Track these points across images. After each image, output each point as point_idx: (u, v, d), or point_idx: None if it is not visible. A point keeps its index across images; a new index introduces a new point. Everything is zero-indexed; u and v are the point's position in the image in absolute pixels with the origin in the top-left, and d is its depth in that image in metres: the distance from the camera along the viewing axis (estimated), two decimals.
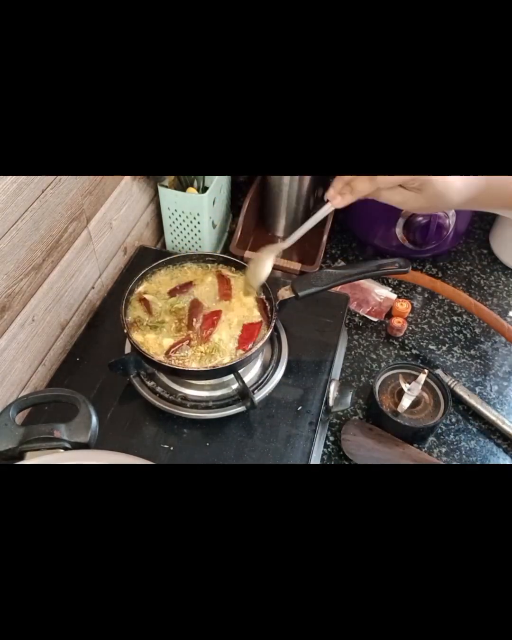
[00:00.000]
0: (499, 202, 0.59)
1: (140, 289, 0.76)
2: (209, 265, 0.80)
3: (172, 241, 1.07)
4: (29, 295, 0.71)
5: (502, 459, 0.85)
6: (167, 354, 0.70)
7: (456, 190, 0.55)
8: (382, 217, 1.06)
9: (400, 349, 0.99)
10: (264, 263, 0.69)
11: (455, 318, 1.03)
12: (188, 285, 0.77)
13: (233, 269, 0.80)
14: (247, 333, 0.72)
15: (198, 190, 1.01)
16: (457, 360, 0.97)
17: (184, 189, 0.99)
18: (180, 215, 1.00)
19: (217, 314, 0.73)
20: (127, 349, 0.78)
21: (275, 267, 1.04)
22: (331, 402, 0.77)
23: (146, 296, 0.75)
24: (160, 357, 0.69)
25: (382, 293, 1.05)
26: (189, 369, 0.69)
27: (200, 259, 0.80)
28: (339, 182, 0.58)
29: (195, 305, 0.74)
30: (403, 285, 1.08)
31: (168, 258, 0.79)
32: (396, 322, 0.98)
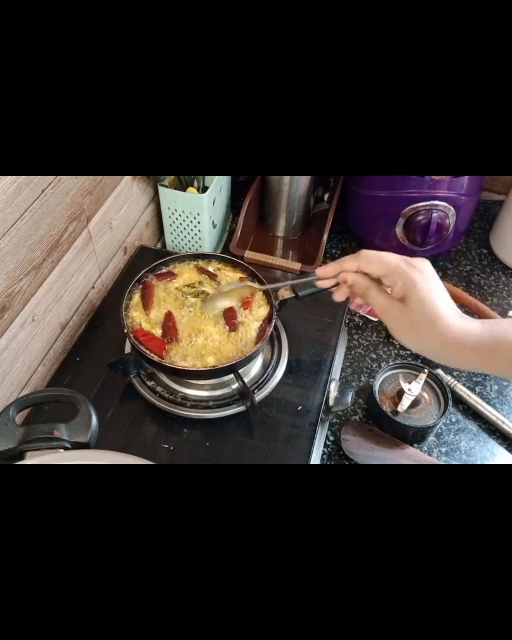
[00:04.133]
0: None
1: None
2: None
3: (172, 241, 1.07)
4: (29, 295, 0.71)
5: (502, 459, 0.85)
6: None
7: (448, 318, 0.47)
8: (382, 217, 1.06)
9: (400, 348, 0.98)
10: (225, 300, 0.72)
11: None
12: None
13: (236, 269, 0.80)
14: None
15: (198, 190, 1.01)
16: None
17: (184, 189, 0.99)
18: (180, 215, 1.00)
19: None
20: (127, 349, 0.78)
21: (275, 267, 1.04)
22: (331, 402, 0.77)
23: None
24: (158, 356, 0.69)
25: None
26: (189, 368, 0.69)
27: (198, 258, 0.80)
28: (332, 265, 0.55)
29: None
30: None
31: (168, 258, 0.79)
32: None
